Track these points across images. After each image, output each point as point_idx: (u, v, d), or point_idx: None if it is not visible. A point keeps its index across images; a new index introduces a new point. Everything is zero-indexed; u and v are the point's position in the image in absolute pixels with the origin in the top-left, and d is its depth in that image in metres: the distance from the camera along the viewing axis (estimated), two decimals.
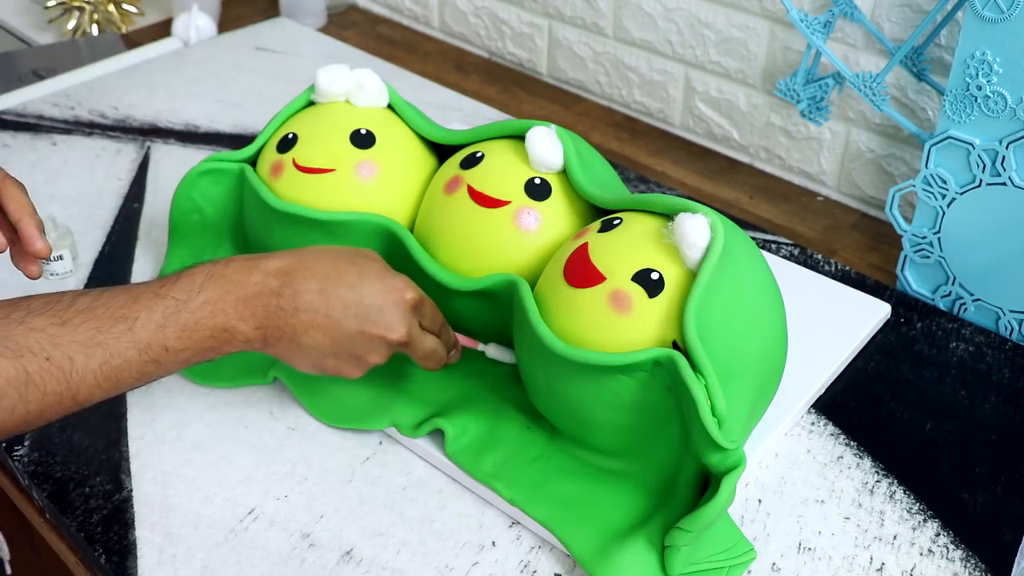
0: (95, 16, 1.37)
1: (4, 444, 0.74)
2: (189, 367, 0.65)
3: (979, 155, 0.81)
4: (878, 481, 0.73)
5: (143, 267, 0.91)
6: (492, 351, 0.76)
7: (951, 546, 0.68)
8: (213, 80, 1.24)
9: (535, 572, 0.66)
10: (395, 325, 0.66)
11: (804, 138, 1.08)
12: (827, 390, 0.80)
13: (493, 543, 0.68)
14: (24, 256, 0.73)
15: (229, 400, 0.78)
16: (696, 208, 0.65)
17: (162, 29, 1.39)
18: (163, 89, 1.21)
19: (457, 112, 1.18)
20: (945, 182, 0.85)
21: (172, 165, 1.07)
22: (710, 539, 0.64)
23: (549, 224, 0.73)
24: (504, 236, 0.73)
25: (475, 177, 0.75)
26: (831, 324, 0.84)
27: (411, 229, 0.79)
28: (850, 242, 1.01)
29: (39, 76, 1.25)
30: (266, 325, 0.64)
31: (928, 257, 0.89)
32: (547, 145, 0.73)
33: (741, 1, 1.06)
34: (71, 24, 1.37)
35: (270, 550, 0.67)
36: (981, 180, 0.82)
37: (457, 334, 0.74)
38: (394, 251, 0.77)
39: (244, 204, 0.82)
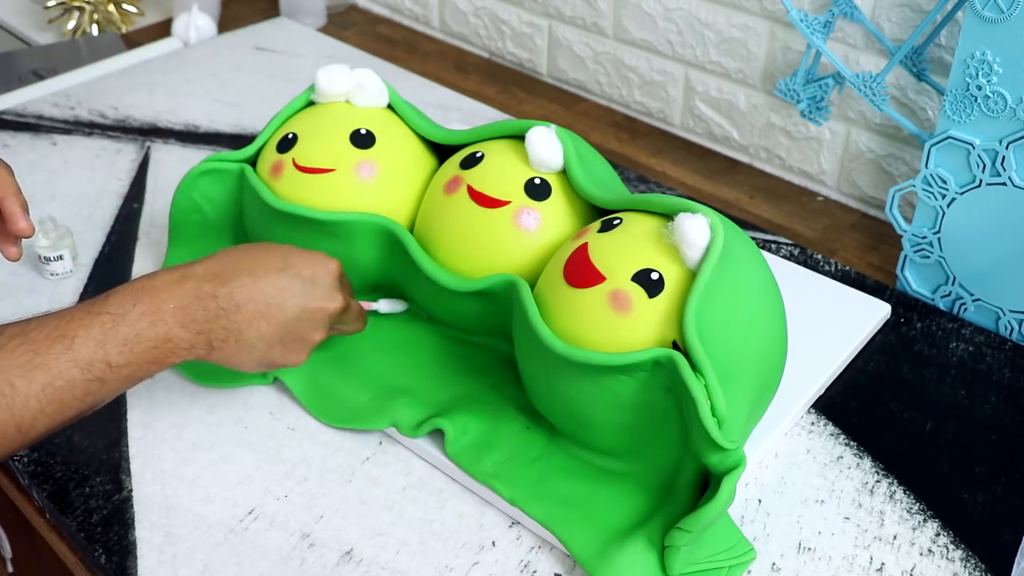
0: (95, 16, 1.37)
1: None
2: (135, 383, 0.64)
3: (979, 155, 0.81)
4: (878, 481, 0.73)
5: (143, 267, 0.91)
6: (384, 306, 0.81)
7: (951, 546, 0.68)
8: (213, 80, 1.24)
9: (535, 572, 0.66)
10: (332, 294, 0.69)
11: (804, 138, 1.08)
12: (827, 390, 0.80)
13: (493, 543, 0.68)
14: (6, 237, 0.72)
15: (229, 400, 0.78)
16: (696, 208, 0.65)
17: (162, 29, 1.39)
18: (163, 89, 1.21)
19: (457, 112, 1.18)
20: (945, 182, 0.85)
21: (172, 165, 1.07)
22: (710, 539, 0.64)
23: (549, 224, 0.73)
24: (504, 236, 0.73)
25: (475, 177, 0.75)
26: (831, 324, 0.84)
27: (411, 229, 0.79)
28: (850, 242, 1.01)
29: (39, 76, 1.25)
30: (208, 329, 0.64)
31: (928, 257, 0.89)
32: (547, 145, 0.73)
33: (741, 1, 1.06)
34: (71, 24, 1.37)
35: (270, 550, 0.67)
36: (981, 180, 0.82)
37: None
38: (394, 251, 0.77)
39: (244, 204, 0.82)
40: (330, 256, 0.70)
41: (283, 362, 0.69)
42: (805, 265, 0.94)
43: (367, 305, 0.79)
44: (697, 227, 0.63)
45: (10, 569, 1.00)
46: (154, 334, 0.62)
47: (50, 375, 0.58)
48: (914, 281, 0.92)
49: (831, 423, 0.77)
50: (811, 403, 0.79)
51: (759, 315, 0.65)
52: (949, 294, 0.89)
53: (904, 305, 0.89)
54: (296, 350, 0.68)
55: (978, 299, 0.88)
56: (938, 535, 0.69)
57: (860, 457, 0.74)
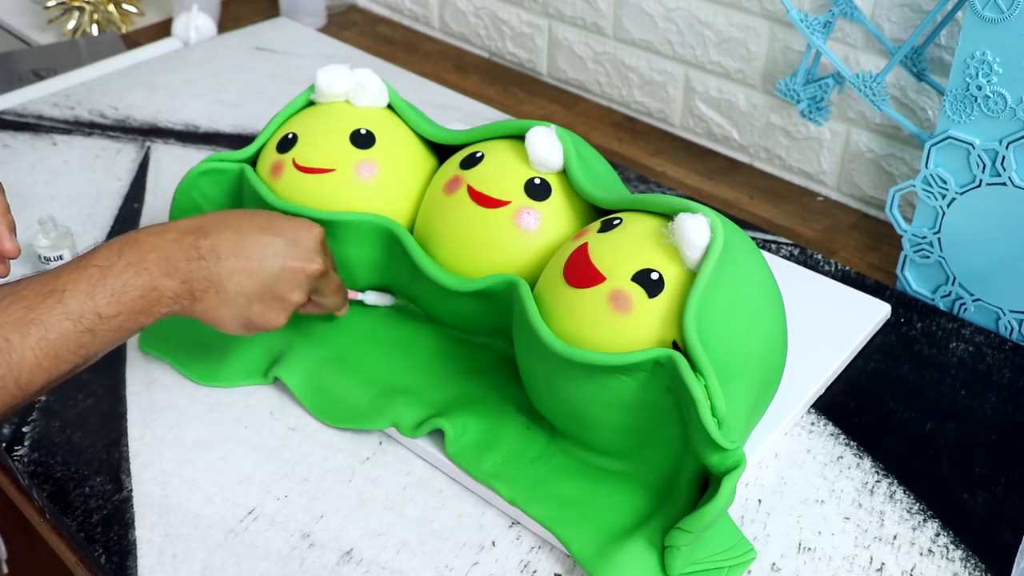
0: (95, 16, 1.37)
1: (4, 444, 0.74)
2: (138, 339, 0.66)
3: (979, 155, 0.81)
4: (878, 481, 0.73)
5: None
6: (371, 298, 0.81)
7: (951, 546, 0.68)
8: (213, 80, 1.24)
9: (535, 572, 0.66)
10: (313, 256, 0.70)
11: (804, 138, 1.08)
12: (827, 390, 0.80)
13: (493, 543, 0.68)
14: None
15: (229, 400, 0.78)
16: (696, 208, 0.65)
17: (162, 29, 1.39)
18: (163, 89, 1.21)
19: (457, 112, 1.18)
20: (945, 182, 0.85)
21: (172, 165, 1.07)
22: (710, 539, 0.64)
23: (549, 224, 0.73)
24: (504, 236, 0.73)
25: (475, 177, 0.75)
26: (831, 324, 0.84)
27: (411, 229, 0.79)
28: (850, 242, 1.01)
29: (39, 76, 1.25)
30: (191, 279, 0.65)
31: (928, 257, 0.89)
32: (547, 145, 0.73)
33: (741, 1, 1.06)
34: (71, 24, 1.37)
35: (270, 550, 0.67)
36: (981, 180, 0.82)
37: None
38: (394, 251, 0.77)
39: (244, 204, 0.82)
40: (314, 223, 0.72)
41: (263, 322, 0.69)
42: (805, 265, 0.94)
43: (352, 295, 0.80)
44: (697, 227, 0.63)
45: (5, 570, 1.00)
46: (140, 283, 0.63)
47: (43, 329, 0.60)
48: (914, 281, 0.92)
49: (831, 423, 0.77)
50: (811, 403, 0.79)
51: (759, 315, 0.65)
52: (949, 294, 0.89)
53: (904, 305, 0.89)
54: (275, 309, 0.69)
55: (978, 299, 0.88)
56: (938, 535, 0.69)
57: (860, 457, 0.74)
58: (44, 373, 0.61)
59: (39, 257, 0.89)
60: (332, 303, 0.75)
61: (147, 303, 0.64)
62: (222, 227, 0.67)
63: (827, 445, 0.75)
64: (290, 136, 0.80)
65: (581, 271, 0.65)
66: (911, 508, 0.71)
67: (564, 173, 0.74)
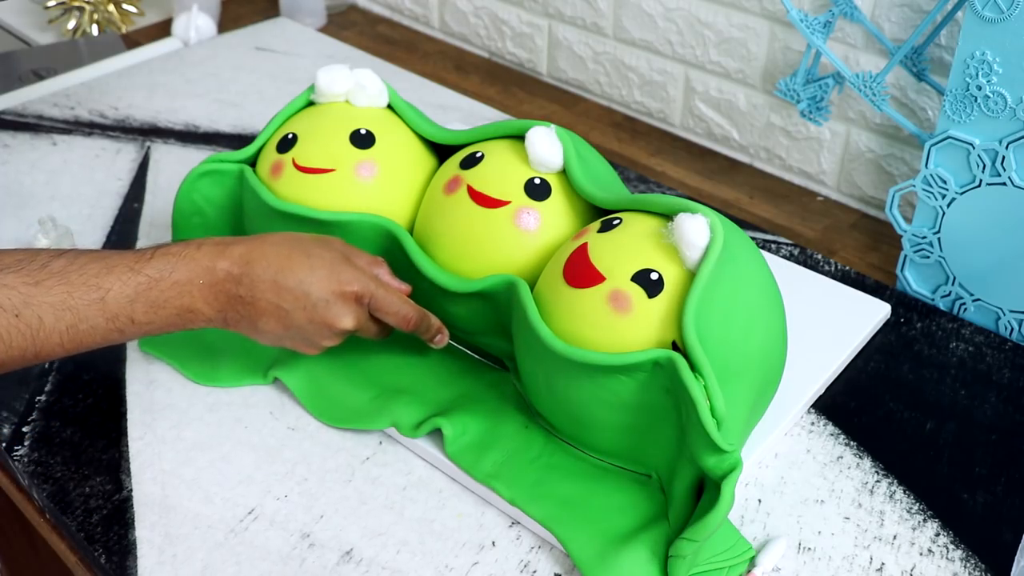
0: (95, 16, 1.37)
1: (4, 444, 0.74)
2: (180, 363, 0.68)
3: (979, 155, 0.81)
4: (878, 481, 0.73)
5: None
6: None
7: (951, 546, 0.68)
8: (213, 80, 1.24)
9: (535, 572, 0.66)
10: (341, 317, 0.69)
11: (804, 138, 1.08)
12: (827, 390, 0.80)
13: (493, 543, 0.68)
14: None
15: (229, 400, 0.78)
16: (695, 208, 0.65)
17: (162, 29, 1.40)
18: (163, 89, 1.21)
19: (457, 112, 1.18)
20: (945, 182, 0.85)
21: (172, 165, 1.07)
22: (711, 542, 0.64)
23: (549, 224, 0.73)
24: (504, 236, 0.73)
25: (475, 177, 0.75)
26: (831, 324, 0.84)
27: (411, 229, 0.79)
28: (850, 242, 1.01)
29: (39, 76, 1.25)
30: (226, 309, 0.68)
31: (928, 257, 0.89)
32: (547, 145, 0.73)
33: (741, 1, 1.06)
34: (71, 24, 1.37)
35: (270, 550, 0.67)
36: (981, 180, 0.82)
37: None
38: (393, 252, 0.77)
39: (244, 204, 0.82)
40: (361, 277, 0.70)
41: (295, 350, 0.72)
42: (805, 265, 0.94)
43: None
44: (697, 227, 0.63)
45: None
46: (180, 304, 0.66)
47: (76, 318, 0.63)
48: (914, 281, 0.92)
49: (831, 423, 0.77)
50: (811, 403, 0.79)
51: (759, 315, 0.65)
52: (949, 294, 0.89)
53: (904, 305, 0.89)
54: (306, 346, 0.71)
55: (978, 299, 0.88)
56: (938, 535, 0.69)
57: (860, 457, 0.75)
58: (63, 351, 0.64)
59: None
60: (377, 336, 0.74)
61: (181, 320, 0.67)
62: (266, 266, 0.67)
63: (827, 445, 0.75)
64: (290, 136, 0.80)
65: (581, 271, 0.65)
66: (911, 508, 0.71)
67: (564, 173, 0.74)
